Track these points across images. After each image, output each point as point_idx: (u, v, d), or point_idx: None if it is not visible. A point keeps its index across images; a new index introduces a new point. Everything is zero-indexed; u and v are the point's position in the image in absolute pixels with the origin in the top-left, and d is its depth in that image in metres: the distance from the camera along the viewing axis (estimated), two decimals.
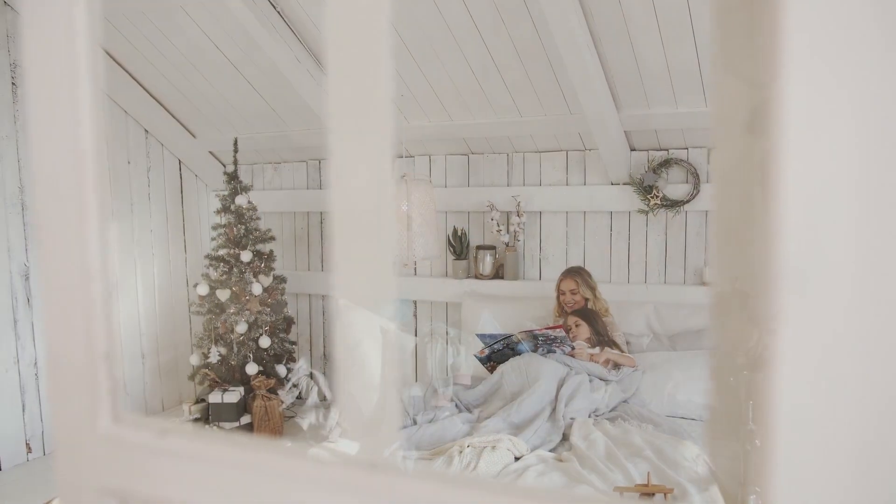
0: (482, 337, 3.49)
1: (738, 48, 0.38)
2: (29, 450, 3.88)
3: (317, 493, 0.51)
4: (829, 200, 0.33)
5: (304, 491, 0.51)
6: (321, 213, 4.80)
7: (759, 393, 0.33)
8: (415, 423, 2.93)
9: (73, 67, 0.55)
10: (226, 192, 4.27)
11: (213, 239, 4.36)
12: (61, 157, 0.55)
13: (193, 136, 4.71)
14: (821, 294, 0.33)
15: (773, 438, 0.33)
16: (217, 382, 4.16)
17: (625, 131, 3.75)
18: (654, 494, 2.25)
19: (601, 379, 3.15)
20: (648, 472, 2.34)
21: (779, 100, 0.34)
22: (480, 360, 3.50)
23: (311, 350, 4.94)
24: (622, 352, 3.34)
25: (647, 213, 3.86)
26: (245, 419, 4.17)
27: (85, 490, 0.55)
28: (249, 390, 4.20)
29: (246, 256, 4.15)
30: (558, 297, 3.66)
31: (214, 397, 4.11)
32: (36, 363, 3.88)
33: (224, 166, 4.85)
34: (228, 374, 4.20)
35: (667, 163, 3.79)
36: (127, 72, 4.21)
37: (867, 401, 0.33)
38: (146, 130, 4.52)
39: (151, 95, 4.40)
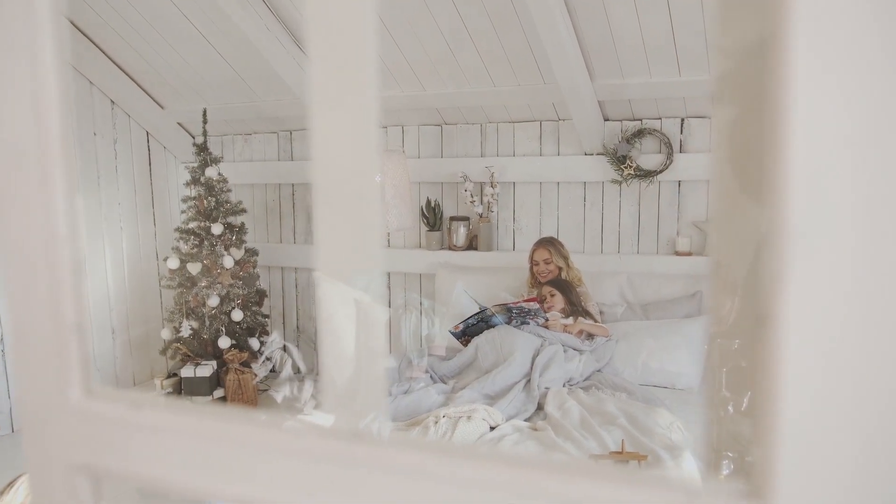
0: (456, 330, 3.49)
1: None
2: None
3: (297, 464, 0.50)
4: (835, 159, 0.32)
5: (284, 461, 0.50)
6: (293, 184, 4.75)
7: (760, 359, 0.32)
8: (389, 394, 2.93)
9: (35, 33, 0.53)
10: (195, 164, 4.20)
11: (182, 212, 4.30)
12: (24, 121, 0.52)
13: (161, 106, 4.62)
14: (825, 257, 0.32)
15: (776, 405, 0.32)
16: (189, 356, 4.13)
17: (598, 101, 3.74)
18: (628, 461, 2.28)
19: (575, 349, 3.17)
20: (623, 440, 2.37)
21: (784, 48, 0.33)
22: (455, 335, 3.50)
23: (284, 323, 4.91)
24: (596, 321, 3.36)
25: (620, 183, 3.86)
26: (218, 393, 4.14)
27: (55, 467, 0.54)
28: (222, 364, 4.17)
29: (217, 229, 4.09)
30: (532, 268, 3.66)
31: (187, 371, 4.07)
32: (2, 339, 3.81)
33: (193, 138, 4.77)
34: (201, 348, 4.16)
35: (640, 133, 3.79)
36: (91, 41, 4.10)
37: (873, 365, 0.32)
38: (112, 101, 4.42)
39: (117, 65, 4.30)
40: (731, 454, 0.56)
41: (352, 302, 0.60)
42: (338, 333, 0.59)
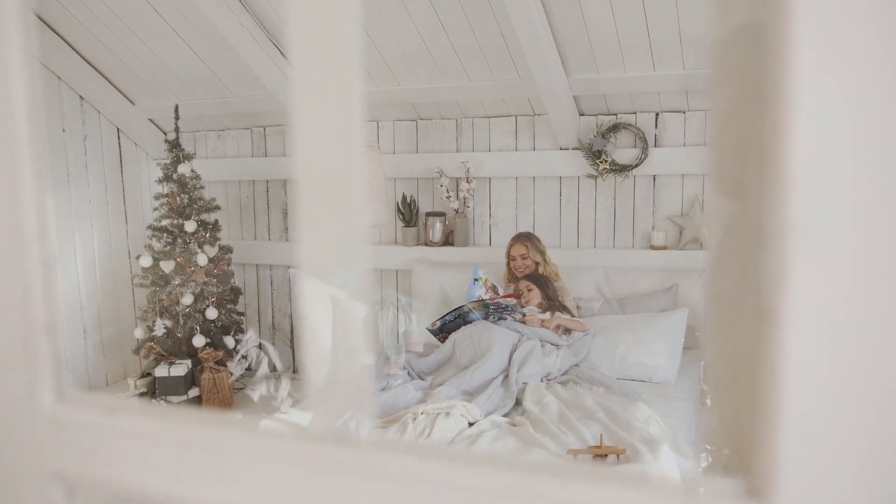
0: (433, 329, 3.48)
1: None
2: None
3: (278, 468, 0.48)
4: (837, 154, 0.31)
5: (264, 465, 0.49)
6: (267, 181, 4.71)
7: (763, 356, 0.32)
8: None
9: (0, 27, 0.51)
10: (167, 161, 4.14)
11: (155, 209, 4.24)
12: None
13: (132, 102, 4.55)
14: (827, 252, 0.31)
15: (778, 403, 0.32)
16: (163, 356, 4.07)
17: (574, 96, 3.74)
18: (606, 455, 2.28)
19: (552, 344, 3.17)
20: (601, 434, 2.37)
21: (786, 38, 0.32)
22: (433, 332, 3.49)
23: (259, 321, 4.87)
24: (573, 316, 3.36)
25: (595, 177, 3.87)
26: (193, 392, 4.09)
27: (26, 476, 0.51)
28: (197, 363, 4.12)
29: (190, 226, 4.04)
30: (508, 263, 3.66)
31: (161, 371, 4.02)
32: None
33: (165, 134, 4.70)
34: (175, 347, 4.11)
35: (615, 127, 3.80)
36: (59, 35, 4.03)
37: (876, 362, 0.32)
38: (81, 97, 4.35)
39: (86, 60, 4.22)
40: (708, 447, 0.56)
41: (331, 298, 0.58)
42: (317, 331, 0.57)
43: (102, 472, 0.50)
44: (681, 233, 3.77)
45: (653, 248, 3.79)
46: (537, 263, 3.58)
